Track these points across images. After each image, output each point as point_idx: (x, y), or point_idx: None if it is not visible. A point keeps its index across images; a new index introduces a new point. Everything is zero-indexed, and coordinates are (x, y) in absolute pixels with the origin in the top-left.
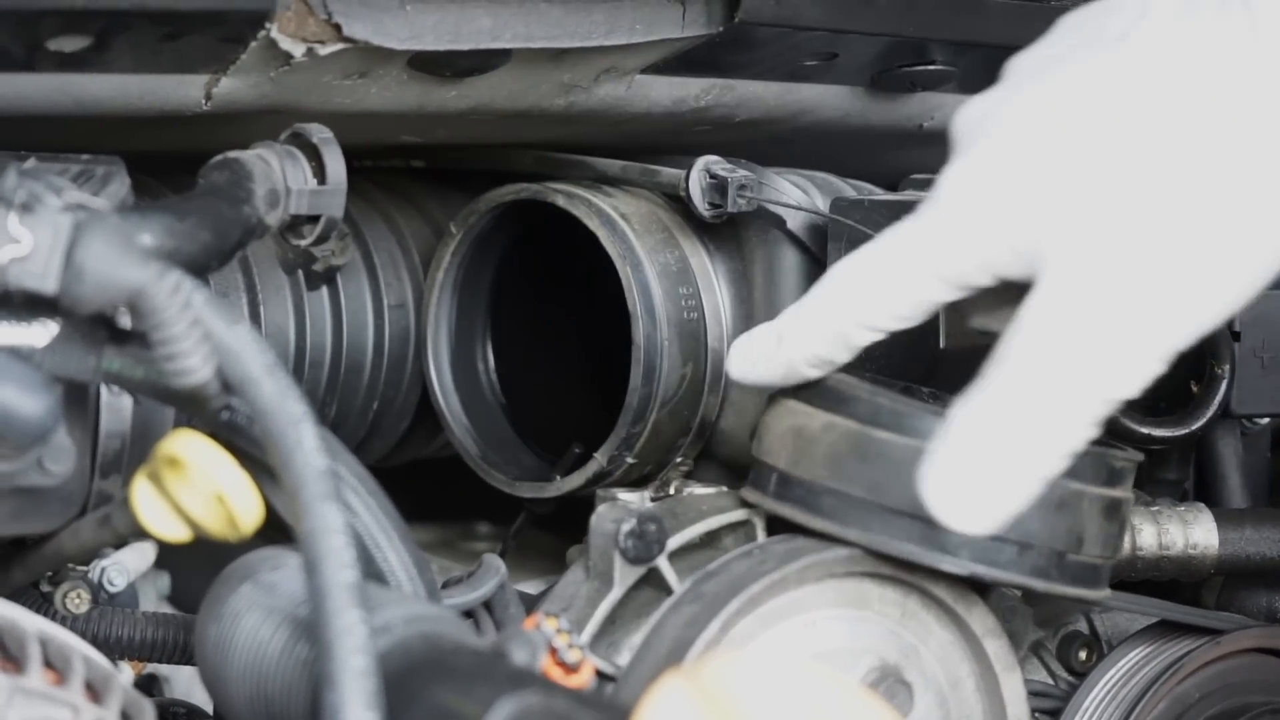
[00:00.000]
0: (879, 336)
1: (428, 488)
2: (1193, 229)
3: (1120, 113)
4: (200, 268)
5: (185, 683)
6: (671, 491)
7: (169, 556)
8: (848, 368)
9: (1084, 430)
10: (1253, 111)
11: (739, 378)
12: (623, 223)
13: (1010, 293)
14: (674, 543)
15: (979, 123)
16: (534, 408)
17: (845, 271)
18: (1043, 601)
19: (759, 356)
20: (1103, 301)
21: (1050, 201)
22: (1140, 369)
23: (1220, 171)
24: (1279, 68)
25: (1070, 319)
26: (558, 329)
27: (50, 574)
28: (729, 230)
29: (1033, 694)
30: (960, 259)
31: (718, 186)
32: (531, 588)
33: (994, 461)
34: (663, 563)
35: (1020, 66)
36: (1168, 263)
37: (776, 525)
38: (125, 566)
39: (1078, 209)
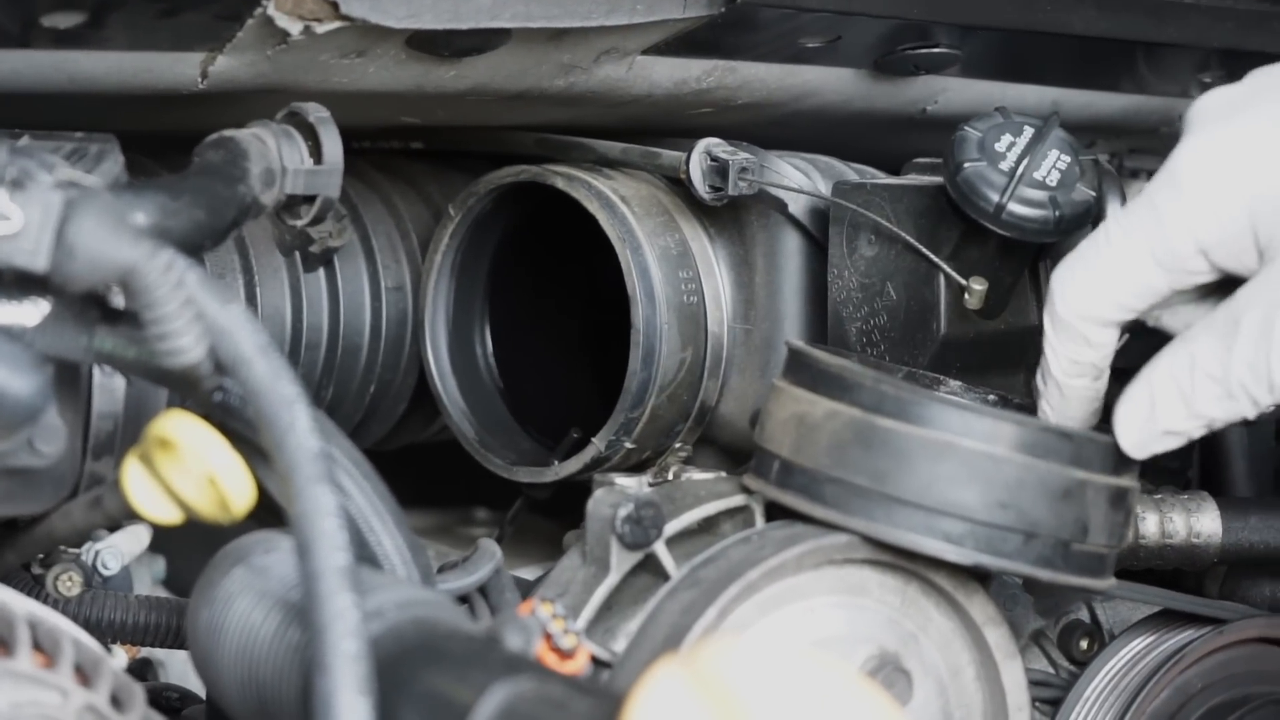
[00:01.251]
0: (1112, 332)
1: (426, 473)
2: None
3: None
4: (194, 247)
5: (180, 667)
6: (670, 477)
7: (164, 540)
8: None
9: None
10: None
11: (1059, 420)
12: (623, 205)
13: (1198, 292)
14: (671, 528)
15: (1220, 109)
16: (532, 392)
17: (1066, 267)
18: (1044, 590)
19: (1045, 400)
20: None
21: None
22: None
23: None
24: None
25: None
26: (557, 312)
27: (42, 556)
28: (730, 213)
29: (1033, 683)
30: (1183, 238)
31: (719, 169)
32: (529, 573)
33: (1170, 409)
34: (660, 548)
35: (1269, 69)
36: None
37: (775, 511)
38: (119, 550)
39: None
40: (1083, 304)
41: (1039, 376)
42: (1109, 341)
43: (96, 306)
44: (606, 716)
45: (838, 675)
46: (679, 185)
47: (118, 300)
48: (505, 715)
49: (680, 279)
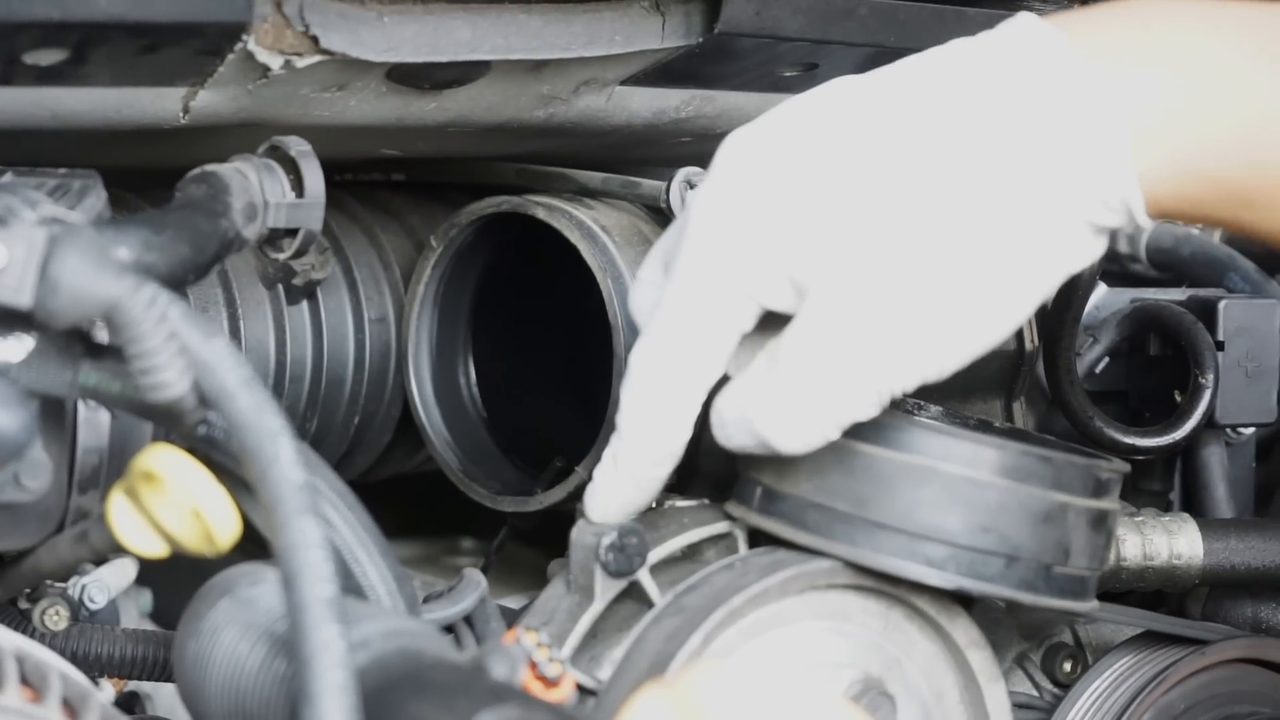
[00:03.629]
0: (697, 409)
1: (411, 503)
2: (919, 302)
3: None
4: (177, 281)
5: (168, 700)
6: (653, 504)
7: (151, 573)
8: None
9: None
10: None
11: (602, 519)
12: (604, 235)
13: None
14: (655, 556)
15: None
16: (516, 422)
17: (641, 356)
18: (1026, 612)
19: (606, 488)
20: (837, 337)
21: (815, 234)
22: (861, 400)
23: (969, 246)
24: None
25: (812, 343)
26: (540, 342)
27: (28, 591)
28: None
29: (1017, 706)
30: (736, 285)
31: None
32: (515, 603)
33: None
34: (644, 576)
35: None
36: (899, 317)
37: (758, 537)
38: (106, 583)
39: (836, 246)
40: (672, 388)
41: (599, 470)
42: (690, 419)
43: (81, 342)
44: None
45: (822, 701)
46: (659, 214)
47: (102, 335)
48: None
49: None
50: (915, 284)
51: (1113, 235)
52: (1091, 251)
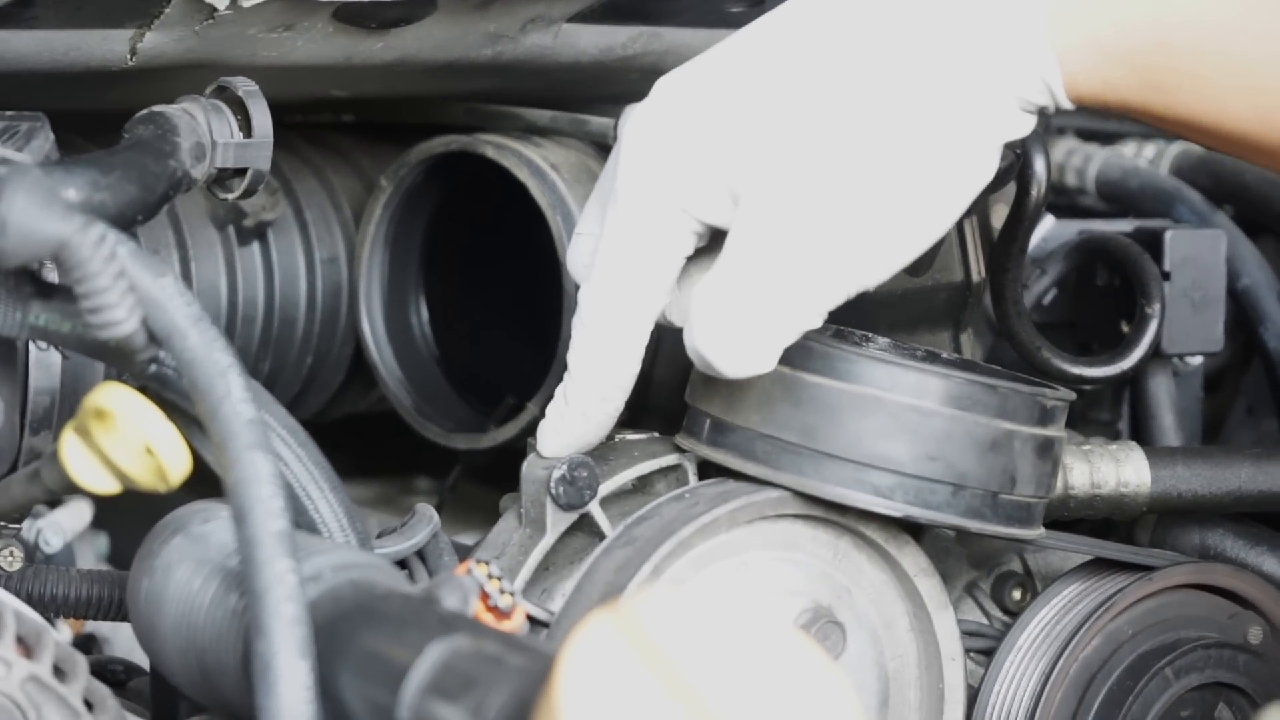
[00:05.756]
0: (644, 338)
1: (366, 444)
2: (849, 211)
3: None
4: (126, 221)
5: (126, 642)
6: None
7: (108, 517)
8: None
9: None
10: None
11: (554, 454)
12: (552, 173)
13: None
14: (605, 488)
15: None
16: (469, 360)
17: (588, 289)
18: (976, 541)
19: (557, 424)
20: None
21: (747, 140)
22: (801, 301)
23: (890, 154)
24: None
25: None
26: (491, 280)
27: None
28: None
29: (967, 633)
30: (671, 198)
31: None
32: (470, 540)
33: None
34: (594, 508)
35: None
36: (825, 232)
37: (708, 469)
38: (61, 526)
39: (769, 157)
40: (624, 312)
41: (551, 406)
42: (638, 356)
43: (30, 282)
44: (542, 670)
45: (771, 629)
46: (608, 152)
47: (51, 275)
48: (442, 672)
49: None
50: (849, 176)
51: (1061, 170)
52: (1019, 127)
